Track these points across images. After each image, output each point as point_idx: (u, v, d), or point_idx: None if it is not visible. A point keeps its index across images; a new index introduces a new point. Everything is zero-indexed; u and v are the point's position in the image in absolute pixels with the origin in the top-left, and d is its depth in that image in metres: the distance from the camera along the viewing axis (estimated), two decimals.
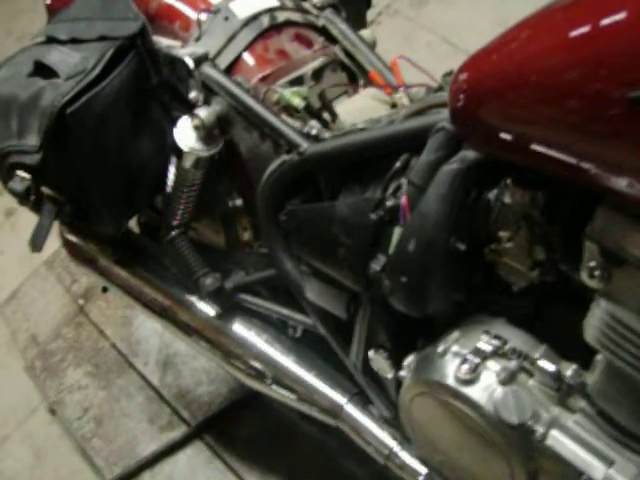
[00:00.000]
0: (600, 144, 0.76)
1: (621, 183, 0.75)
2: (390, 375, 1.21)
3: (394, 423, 1.30)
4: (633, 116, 0.70)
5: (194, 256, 1.47)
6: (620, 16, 0.71)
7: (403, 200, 1.02)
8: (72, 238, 1.74)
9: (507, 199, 0.94)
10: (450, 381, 1.01)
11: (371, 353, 1.22)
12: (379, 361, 1.21)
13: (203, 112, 1.29)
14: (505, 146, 0.87)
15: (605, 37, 0.72)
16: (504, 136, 0.85)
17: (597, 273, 0.84)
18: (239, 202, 1.48)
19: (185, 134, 1.32)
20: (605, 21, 0.72)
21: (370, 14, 3.23)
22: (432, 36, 2.83)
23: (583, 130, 0.76)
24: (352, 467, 1.70)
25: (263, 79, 1.34)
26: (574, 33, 0.76)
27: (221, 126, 1.32)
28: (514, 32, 0.86)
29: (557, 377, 0.96)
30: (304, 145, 1.19)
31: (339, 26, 1.44)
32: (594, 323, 0.88)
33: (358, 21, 1.61)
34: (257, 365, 1.47)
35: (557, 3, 0.82)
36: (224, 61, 1.35)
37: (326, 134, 1.20)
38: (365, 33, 1.48)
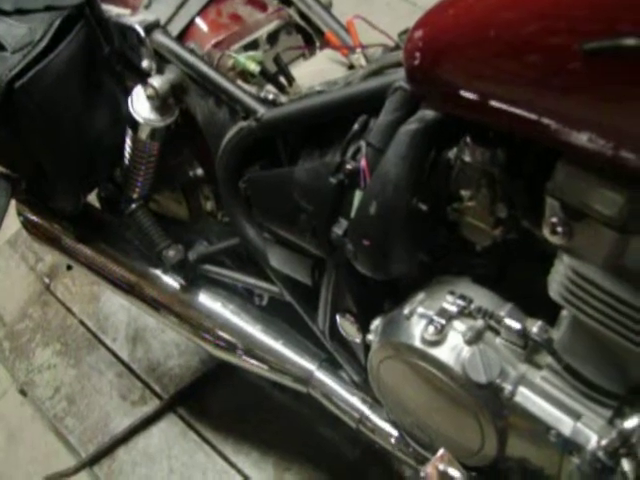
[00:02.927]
0: (558, 98, 0.75)
1: (580, 138, 0.74)
2: (358, 339, 1.21)
3: (364, 387, 1.30)
4: (589, 68, 0.69)
5: (156, 229, 1.45)
6: None
7: (362, 162, 1.01)
8: (32, 217, 1.71)
9: (467, 157, 0.92)
10: (417, 343, 1.01)
11: (338, 318, 1.22)
12: (346, 326, 1.21)
13: (156, 81, 1.26)
14: (463, 104, 0.85)
15: None
16: (461, 94, 0.84)
17: (559, 229, 0.83)
18: (199, 171, 1.46)
19: (140, 104, 1.30)
20: None
21: None
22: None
23: (541, 84, 0.75)
24: (326, 432, 1.71)
25: (217, 45, 1.31)
26: None
27: (176, 95, 1.29)
28: None
29: (523, 334, 0.97)
30: (261, 110, 1.16)
31: None
32: (558, 279, 0.88)
33: None
34: (226, 336, 1.46)
35: None
36: (176, 28, 1.32)
37: (283, 98, 1.18)
38: None
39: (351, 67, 1.26)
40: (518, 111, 0.79)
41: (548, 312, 0.95)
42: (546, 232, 0.84)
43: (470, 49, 0.82)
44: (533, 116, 0.78)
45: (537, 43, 0.73)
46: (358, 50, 1.25)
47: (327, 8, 1.42)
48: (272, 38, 1.34)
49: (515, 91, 0.79)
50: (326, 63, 1.28)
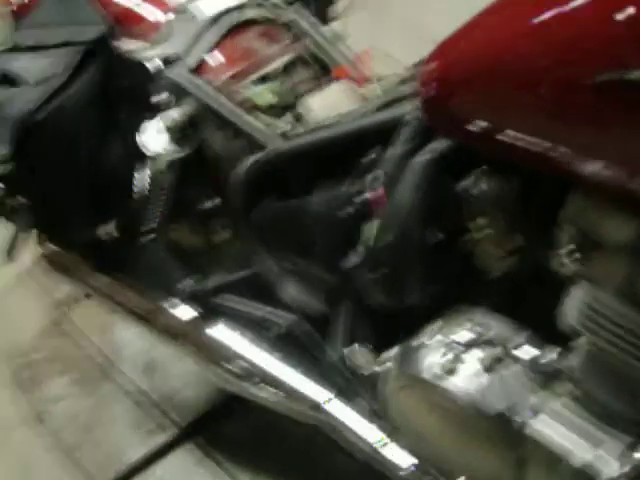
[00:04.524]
0: (571, 130, 0.76)
1: (594, 169, 0.75)
2: (371, 370, 1.21)
3: (380, 416, 1.30)
4: (601, 101, 0.70)
5: (172, 259, 1.47)
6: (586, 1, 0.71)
7: (376, 193, 1.02)
8: (51, 246, 1.72)
9: (481, 187, 0.93)
10: (431, 374, 1.01)
11: (353, 348, 1.22)
12: (362, 355, 1.21)
13: (175, 113, 1.29)
14: (477, 135, 0.86)
15: (572, 22, 0.72)
16: (475, 124, 0.85)
17: (573, 257, 0.84)
18: (215, 202, 1.47)
19: (157, 136, 1.31)
20: (571, 6, 0.72)
21: (341, 5, 3.22)
22: (405, 25, 2.83)
23: (554, 116, 0.76)
24: (343, 462, 1.69)
25: (233, 77, 1.33)
26: (541, 19, 0.75)
27: (192, 127, 1.31)
28: (481, 19, 0.86)
29: (537, 363, 0.96)
30: (273, 143, 1.18)
31: (308, 20, 1.44)
32: (574, 306, 0.88)
33: (326, 14, 1.60)
34: (242, 366, 1.46)
35: None
36: (192, 61, 1.34)
37: (297, 130, 1.19)
38: (334, 26, 1.47)
39: (366, 98, 1.27)
40: (529, 142, 0.80)
41: (565, 339, 0.95)
42: (561, 260, 0.85)
43: (484, 81, 0.83)
44: (546, 147, 0.79)
45: (550, 75, 0.74)
46: (372, 81, 1.26)
47: (342, 39, 1.44)
48: (287, 70, 1.35)
49: (528, 122, 0.80)
50: (341, 94, 1.29)
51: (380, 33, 2.69)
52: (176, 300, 1.53)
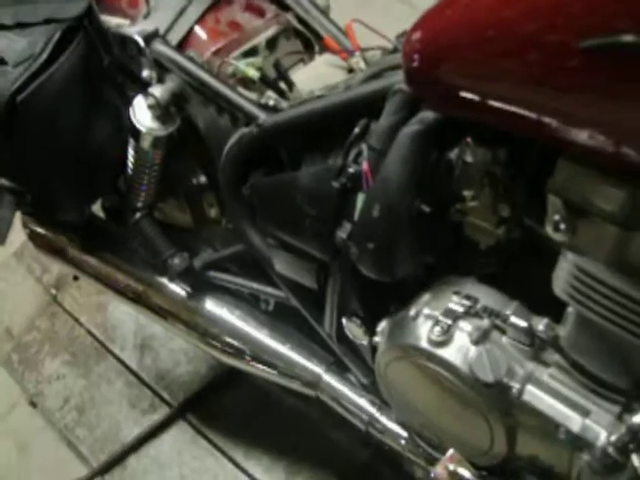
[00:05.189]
0: (558, 96, 0.75)
1: (581, 135, 0.74)
2: (365, 341, 1.21)
3: (373, 389, 1.30)
4: (587, 66, 0.69)
5: (160, 237, 1.46)
6: None
7: (364, 166, 1.01)
8: (37, 229, 1.71)
9: (469, 158, 0.93)
10: (424, 344, 1.01)
11: (344, 321, 1.22)
12: (353, 328, 1.21)
13: (157, 90, 1.27)
14: (462, 105, 0.85)
15: None
16: (461, 94, 0.84)
17: (561, 226, 0.83)
18: (203, 179, 1.46)
19: (141, 114, 1.30)
20: None
21: None
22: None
23: (540, 83, 0.75)
24: (336, 435, 1.71)
25: (216, 52, 1.32)
26: None
27: (177, 103, 1.30)
28: None
29: (529, 332, 0.97)
30: (262, 117, 1.17)
31: None
32: (562, 276, 0.88)
33: None
34: (233, 342, 1.46)
35: None
36: (175, 37, 1.32)
37: (283, 104, 1.18)
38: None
39: (350, 71, 1.26)
40: (518, 110, 0.79)
41: (553, 310, 0.95)
42: (549, 230, 0.85)
43: (469, 49, 0.82)
44: (533, 115, 0.78)
45: (535, 41, 0.73)
46: (357, 54, 1.25)
47: (325, 12, 1.43)
48: (271, 44, 1.34)
49: (515, 90, 0.79)
50: (325, 67, 1.28)
51: (364, 5, 2.68)
52: (165, 279, 1.53)
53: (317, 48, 1.38)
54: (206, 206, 1.51)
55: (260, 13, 1.39)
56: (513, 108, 0.80)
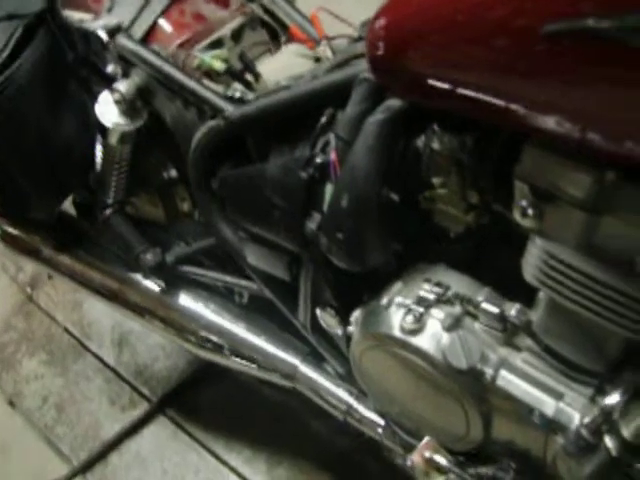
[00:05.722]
0: (522, 82, 0.75)
1: (546, 121, 0.74)
2: (339, 331, 1.21)
3: (349, 378, 1.30)
4: (551, 51, 0.69)
5: (132, 233, 1.45)
6: None
7: (332, 155, 1.01)
8: (9, 229, 1.70)
9: (435, 145, 0.92)
10: (396, 332, 1.01)
11: (318, 311, 1.21)
12: (327, 318, 1.21)
13: (122, 85, 1.26)
14: (427, 92, 0.85)
15: None
16: (425, 82, 0.84)
17: (529, 212, 0.83)
18: (173, 173, 1.46)
19: (107, 109, 1.29)
20: None
21: None
22: None
23: (505, 69, 0.75)
24: (315, 424, 1.71)
25: (182, 45, 1.31)
26: None
27: (143, 97, 1.28)
28: None
29: (501, 318, 0.97)
30: (228, 109, 1.16)
31: None
32: (531, 261, 0.88)
33: None
34: (209, 336, 1.46)
35: None
36: (139, 30, 1.31)
37: (250, 96, 1.17)
38: None
39: (317, 60, 1.25)
40: (483, 97, 0.79)
41: (526, 294, 0.95)
42: (517, 215, 0.85)
43: (432, 36, 0.82)
44: (499, 102, 0.78)
45: (498, 27, 0.72)
46: (323, 42, 1.25)
47: (291, 1, 1.42)
48: (236, 35, 1.33)
49: (479, 77, 0.79)
50: (292, 57, 1.27)
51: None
52: (139, 275, 1.52)
53: (283, 38, 1.37)
54: (178, 200, 1.51)
55: (225, 4, 1.38)
56: (478, 95, 0.79)
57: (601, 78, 0.68)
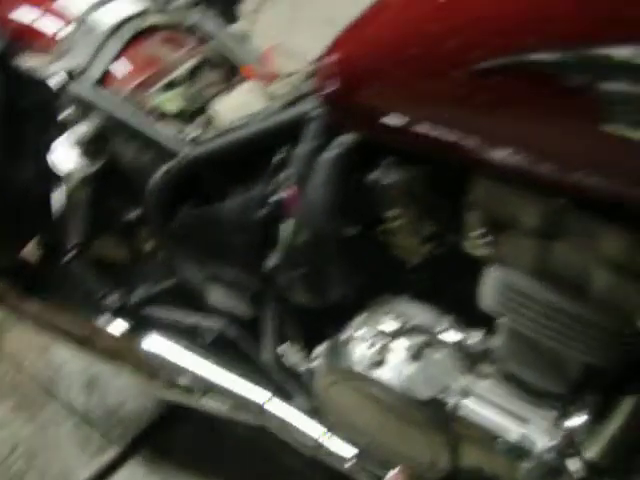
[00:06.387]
0: (465, 118, 0.77)
1: (493, 155, 0.76)
2: (304, 367, 1.20)
3: (316, 413, 1.30)
4: (486, 87, 0.70)
5: (94, 275, 1.44)
6: None
7: (288, 193, 1.02)
8: None
9: (389, 179, 0.93)
10: (359, 366, 1.02)
11: (283, 348, 1.21)
12: (291, 355, 1.21)
13: (78, 130, 1.26)
14: (376, 128, 0.87)
15: (446, 12, 0.73)
16: (373, 118, 0.86)
17: (482, 241, 0.85)
18: (136, 213, 1.45)
19: (64, 154, 1.28)
20: None
21: (252, 3, 3.20)
22: (316, 16, 2.82)
23: (445, 103, 0.77)
24: (289, 460, 1.69)
25: (136, 87, 1.30)
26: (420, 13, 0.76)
27: (100, 141, 1.28)
28: (375, 9, 0.86)
29: (462, 347, 0.98)
30: (183, 150, 1.17)
31: (210, 23, 1.42)
32: (487, 289, 0.90)
33: (230, 15, 1.59)
34: (175, 378, 1.45)
35: None
36: (94, 74, 1.30)
37: (205, 136, 1.18)
38: (237, 26, 1.46)
39: (272, 97, 1.26)
40: (429, 131, 0.80)
41: (488, 321, 0.96)
42: (470, 245, 0.86)
43: (381, 72, 0.83)
44: (443, 135, 0.79)
45: (438, 64, 0.74)
46: (277, 79, 1.26)
47: (248, 38, 1.43)
48: (192, 75, 1.33)
49: (425, 111, 0.81)
50: (247, 96, 1.28)
51: (294, 25, 2.69)
52: (105, 318, 1.51)
53: (238, 77, 1.38)
54: (141, 240, 1.50)
55: (179, 45, 1.38)
56: (425, 130, 0.81)
57: (536, 112, 0.70)
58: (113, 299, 1.44)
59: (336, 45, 0.89)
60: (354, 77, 0.87)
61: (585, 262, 0.81)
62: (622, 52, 0.61)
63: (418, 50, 0.77)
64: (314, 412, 1.30)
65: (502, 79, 0.69)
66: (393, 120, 0.84)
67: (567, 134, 0.69)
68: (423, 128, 0.81)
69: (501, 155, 0.75)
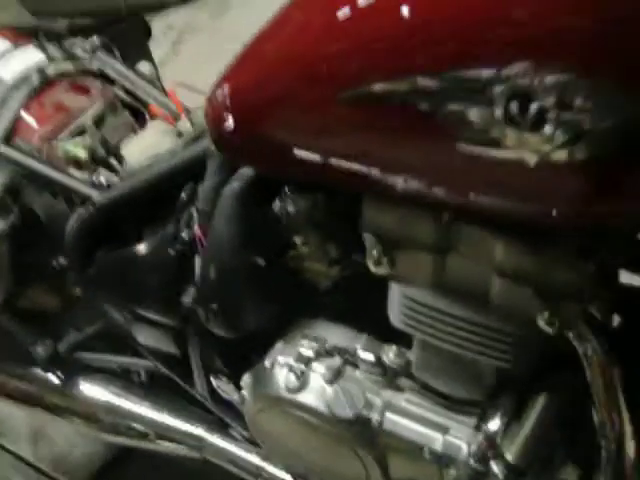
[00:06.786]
0: (342, 146, 0.79)
1: (373, 178, 0.78)
2: (235, 396, 1.22)
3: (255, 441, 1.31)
4: (350, 115, 0.73)
5: (21, 327, 1.44)
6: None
7: (196, 229, 1.03)
8: None
9: (290, 207, 0.95)
10: (282, 392, 1.03)
11: (213, 380, 1.23)
12: (222, 386, 1.22)
13: None
14: (267, 161, 0.89)
15: (313, 41, 0.76)
16: (261, 151, 0.88)
17: (381, 260, 0.87)
18: (62, 260, 1.45)
19: None
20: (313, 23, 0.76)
21: (171, 36, 3.21)
22: (236, 46, 2.84)
23: (317, 132, 0.79)
24: None
25: (44, 137, 1.31)
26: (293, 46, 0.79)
27: (11, 195, 1.29)
28: (259, 40, 0.87)
29: (379, 363, 1.00)
30: (94, 195, 1.18)
31: (114, 66, 1.43)
32: (393, 306, 0.92)
33: (141, 52, 1.60)
34: (115, 421, 1.45)
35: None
36: (0, 128, 1.31)
37: (114, 179, 1.19)
38: (143, 66, 1.47)
39: (179, 135, 1.28)
40: (312, 160, 0.82)
41: (405, 335, 0.98)
42: (371, 265, 0.88)
43: (265, 106, 0.85)
44: (333, 164, 0.81)
45: (305, 99, 0.77)
46: (183, 117, 1.27)
47: (152, 80, 1.44)
48: (98, 120, 1.34)
49: (305, 142, 0.82)
50: (155, 135, 1.29)
51: (214, 56, 2.71)
52: (35, 368, 1.50)
53: (146, 116, 1.39)
54: (70, 286, 1.50)
55: (85, 91, 1.39)
56: (310, 159, 0.83)
57: (399, 137, 0.72)
58: (40, 349, 1.43)
59: (218, 84, 0.90)
60: (239, 112, 0.87)
61: (479, 271, 0.83)
62: (457, 74, 0.64)
63: (292, 82, 0.79)
64: (253, 439, 1.32)
65: (364, 108, 0.72)
66: (284, 153, 0.85)
67: (430, 155, 0.72)
68: (307, 157, 0.83)
69: (383, 178, 0.78)
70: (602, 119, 0.60)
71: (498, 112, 0.64)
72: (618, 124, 0.61)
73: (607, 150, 0.62)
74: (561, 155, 0.63)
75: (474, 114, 0.65)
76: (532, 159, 0.64)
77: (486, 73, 0.63)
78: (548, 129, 0.62)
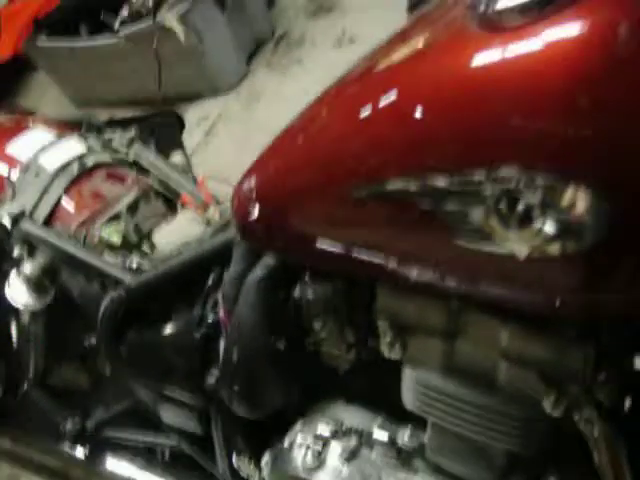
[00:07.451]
0: (356, 239, 0.85)
1: (387, 268, 0.84)
2: (256, 476, 1.25)
3: None
4: (365, 212, 0.79)
5: (51, 403, 1.49)
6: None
7: (221, 313, 1.09)
8: None
9: (309, 294, 1.01)
10: (300, 472, 1.07)
11: (234, 459, 1.26)
12: (243, 465, 1.25)
13: (28, 267, 1.33)
14: (289, 249, 0.95)
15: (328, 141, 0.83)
16: (283, 242, 0.94)
17: (393, 345, 0.92)
18: (94, 339, 1.51)
19: (16, 290, 1.36)
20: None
21: (205, 126, 3.33)
22: (265, 135, 2.95)
23: (338, 226, 0.85)
24: None
25: (82, 223, 1.39)
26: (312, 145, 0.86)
27: (49, 276, 1.36)
28: (286, 135, 0.95)
29: (394, 444, 1.03)
30: (127, 279, 1.24)
31: (149, 157, 1.52)
32: (406, 389, 0.96)
33: (175, 143, 1.70)
34: None
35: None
36: (41, 214, 1.39)
37: (146, 265, 1.26)
38: (176, 157, 1.56)
39: (208, 223, 1.35)
40: (331, 252, 0.88)
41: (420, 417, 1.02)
42: (384, 350, 0.93)
43: (285, 202, 0.91)
44: (350, 254, 0.86)
45: (321, 189, 0.84)
46: (211, 207, 1.35)
47: (184, 170, 1.53)
48: (132, 208, 1.42)
49: (329, 234, 0.89)
50: (184, 224, 1.37)
51: (245, 146, 2.81)
52: (65, 445, 1.55)
53: (178, 206, 1.47)
54: (100, 365, 1.55)
55: (121, 180, 1.48)
56: (328, 249, 0.89)
57: (405, 232, 0.79)
58: (69, 426, 1.48)
59: (250, 172, 0.97)
60: (263, 203, 0.94)
61: (486, 356, 0.87)
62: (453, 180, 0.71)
63: (312, 177, 0.86)
64: None
65: (377, 204, 0.78)
66: (304, 243, 0.91)
67: (437, 249, 0.78)
68: (326, 247, 0.89)
69: (398, 269, 0.83)
70: (586, 217, 0.66)
71: (489, 210, 0.70)
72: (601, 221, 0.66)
73: (593, 244, 0.67)
74: (549, 249, 0.68)
75: (469, 212, 0.71)
76: (522, 253, 0.70)
77: (478, 174, 0.69)
78: (535, 225, 0.68)
